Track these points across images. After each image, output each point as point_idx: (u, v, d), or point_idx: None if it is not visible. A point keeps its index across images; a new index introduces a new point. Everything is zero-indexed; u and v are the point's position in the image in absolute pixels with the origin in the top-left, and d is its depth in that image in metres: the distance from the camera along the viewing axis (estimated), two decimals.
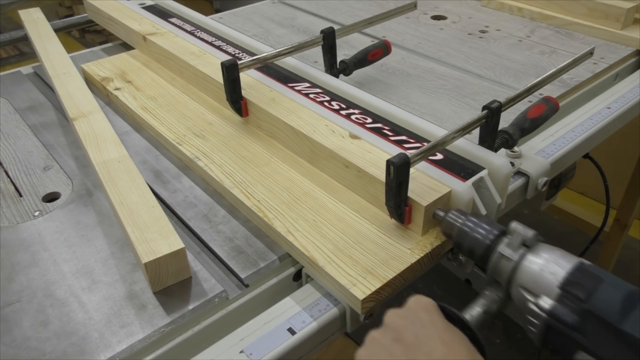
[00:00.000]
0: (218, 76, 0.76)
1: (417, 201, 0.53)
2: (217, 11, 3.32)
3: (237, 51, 0.86)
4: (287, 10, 1.18)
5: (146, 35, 0.91)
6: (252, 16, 1.15)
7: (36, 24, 1.02)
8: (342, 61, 0.82)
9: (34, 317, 0.49)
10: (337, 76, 0.81)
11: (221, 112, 0.77)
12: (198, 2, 2.53)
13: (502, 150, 0.68)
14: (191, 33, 0.93)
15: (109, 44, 1.06)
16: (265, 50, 0.81)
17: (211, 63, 0.81)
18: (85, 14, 1.13)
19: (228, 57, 0.83)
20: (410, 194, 0.53)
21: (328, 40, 0.78)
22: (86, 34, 3.34)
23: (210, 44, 0.89)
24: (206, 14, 1.06)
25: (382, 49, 0.86)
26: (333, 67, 0.81)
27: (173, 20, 1.00)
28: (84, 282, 0.52)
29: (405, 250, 0.53)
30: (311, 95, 0.72)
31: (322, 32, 0.78)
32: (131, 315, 0.49)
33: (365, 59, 0.84)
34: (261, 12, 1.17)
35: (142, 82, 0.85)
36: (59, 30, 1.05)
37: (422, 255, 0.52)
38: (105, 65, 0.90)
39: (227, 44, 0.89)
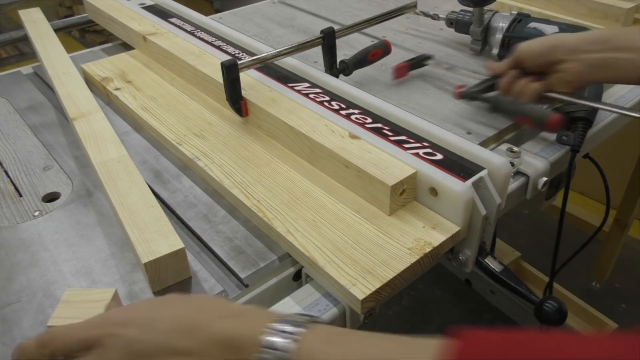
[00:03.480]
0: (218, 76, 0.75)
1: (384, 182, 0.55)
2: (217, 11, 3.32)
3: (237, 51, 0.86)
4: (287, 10, 1.18)
5: (146, 35, 0.91)
6: (252, 16, 1.15)
7: (36, 24, 1.02)
8: (342, 61, 0.82)
9: (34, 317, 0.49)
10: (337, 76, 0.81)
11: (221, 112, 0.77)
12: (198, 2, 2.53)
13: (502, 150, 0.68)
14: (191, 33, 0.93)
15: (109, 44, 1.06)
16: (265, 50, 0.81)
17: (211, 63, 0.81)
18: (85, 14, 1.13)
19: (228, 57, 0.83)
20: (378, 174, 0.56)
21: (328, 40, 0.78)
22: (86, 34, 3.34)
23: (210, 44, 0.89)
24: (206, 14, 1.06)
25: (382, 49, 0.86)
26: (333, 67, 0.81)
27: (173, 20, 1.00)
28: (84, 282, 0.53)
29: (405, 251, 0.53)
30: (311, 95, 0.72)
31: (322, 32, 0.78)
32: None
33: (365, 59, 0.84)
34: (261, 12, 1.17)
35: (142, 82, 0.85)
36: (59, 30, 1.05)
37: (422, 255, 0.52)
38: (105, 65, 0.90)
39: (227, 44, 0.89)
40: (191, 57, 0.83)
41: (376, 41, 0.88)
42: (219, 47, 0.87)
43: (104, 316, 0.38)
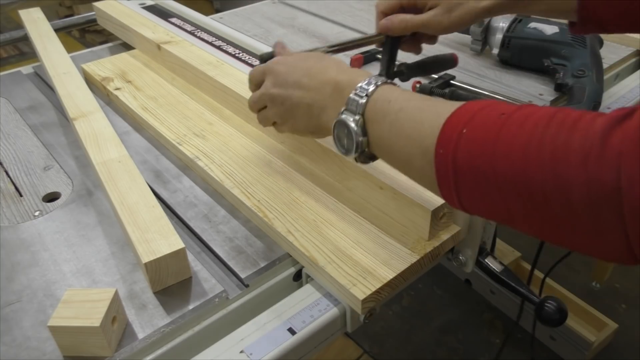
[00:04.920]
0: (218, 76, 0.76)
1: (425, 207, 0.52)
2: (217, 11, 3.32)
3: (237, 51, 0.86)
4: (287, 10, 1.18)
5: (147, 35, 0.91)
6: (252, 16, 1.15)
7: (36, 24, 1.02)
8: (402, 64, 0.74)
9: (35, 317, 0.49)
10: (392, 79, 0.73)
11: (221, 112, 0.77)
12: (198, 2, 2.53)
13: None
14: (191, 33, 0.93)
15: (109, 44, 1.06)
16: (265, 50, 0.81)
17: (210, 62, 0.81)
18: (86, 14, 1.13)
19: (228, 57, 0.83)
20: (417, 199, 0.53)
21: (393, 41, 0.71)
22: (86, 33, 3.34)
23: (211, 43, 0.89)
24: (206, 13, 1.06)
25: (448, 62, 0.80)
26: (390, 68, 0.73)
27: (173, 20, 1.00)
28: (84, 282, 0.53)
29: (406, 250, 0.53)
30: None
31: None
32: (131, 315, 0.49)
33: (426, 67, 0.78)
34: (261, 12, 1.18)
35: (142, 82, 0.85)
36: (59, 30, 1.05)
37: (422, 255, 0.52)
38: (105, 65, 0.90)
39: (227, 44, 0.89)
40: (192, 57, 0.83)
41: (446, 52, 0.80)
42: (219, 47, 0.87)
43: (272, 60, 0.58)
